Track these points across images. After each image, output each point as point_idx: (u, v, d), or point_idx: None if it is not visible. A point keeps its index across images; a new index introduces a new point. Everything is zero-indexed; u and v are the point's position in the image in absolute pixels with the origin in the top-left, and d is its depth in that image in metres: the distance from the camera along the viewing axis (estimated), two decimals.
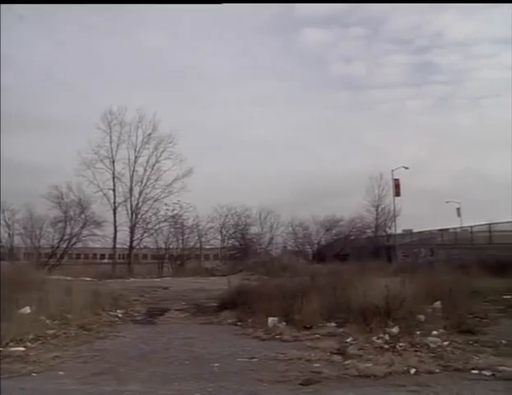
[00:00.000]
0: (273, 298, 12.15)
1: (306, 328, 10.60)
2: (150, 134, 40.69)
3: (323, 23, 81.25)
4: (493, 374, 6.82)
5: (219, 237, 46.80)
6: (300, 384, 6.72)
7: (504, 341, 8.97)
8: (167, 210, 40.64)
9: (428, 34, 78.70)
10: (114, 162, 40.11)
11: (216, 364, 7.85)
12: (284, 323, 11.08)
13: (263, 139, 63.40)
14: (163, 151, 40.60)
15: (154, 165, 40.80)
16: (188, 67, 68.65)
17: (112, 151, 40.06)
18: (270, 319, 11.24)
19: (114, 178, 40.02)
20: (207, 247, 46.84)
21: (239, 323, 11.98)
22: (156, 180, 40.86)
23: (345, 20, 75.63)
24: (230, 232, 47.30)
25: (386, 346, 8.65)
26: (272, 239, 48.96)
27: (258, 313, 11.72)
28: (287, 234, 49.49)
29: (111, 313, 13.55)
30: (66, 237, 37.75)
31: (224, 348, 9.24)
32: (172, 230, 42.24)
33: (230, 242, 47.95)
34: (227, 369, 7.63)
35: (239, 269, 32.54)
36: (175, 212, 40.75)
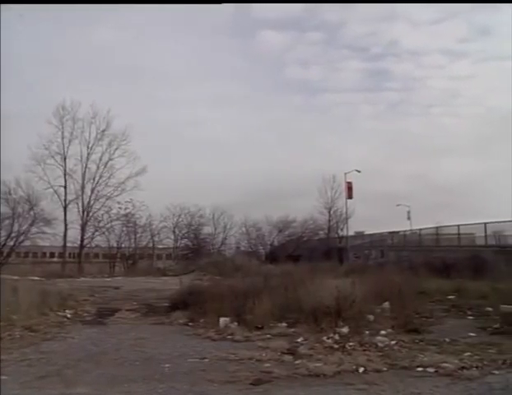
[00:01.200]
0: (225, 298, 12.13)
1: (258, 328, 10.63)
2: (103, 131, 39.70)
3: (280, 26, 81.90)
4: (436, 371, 7.04)
5: (172, 237, 46.45)
6: (251, 384, 6.73)
7: (447, 340, 9.31)
8: (119, 208, 39.83)
9: (383, 42, 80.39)
10: (65, 158, 38.87)
11: (167, 365, 7.76)
12: (236, 324, 11.07)
13: (219, 139, 63.17)
14: (116, 149, 39.79)
15: (107, 163, 39.91)
16: (144, 65, 67.52)
17: (64, 147, 38.86)
18: (222, 319, 11.22)
19: (65, 174, 38.81)
20: (160, 246, 46.36)
21: (190, 324, 11.89)
22: (109, 178, 40.00)
23: (302, 24, 76.38)
24: (183, 232, 47.01)
25: (336, 346, 8.78)
26: (225, 239, 48.98)
27: (209, 313, 11.66)
28: (240, 234, 49.62)
29: (59, 313, 13.15)
30: (13, 234, 36.15)
31: (175, 348, 9.14)
32: (124, 228, 41.47)
33: (183, 242, 47.65)
34: (178, 369, 7.56)
35: (192, 269, 32.38)
36: (128, 211, 40.00)
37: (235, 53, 75.45)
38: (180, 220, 46.35)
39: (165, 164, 52.82)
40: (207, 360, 8.18)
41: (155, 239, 44.45)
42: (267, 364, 7.75)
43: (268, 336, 10.06)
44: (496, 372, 6.89)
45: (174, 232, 46.31)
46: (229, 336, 10.21)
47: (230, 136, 68.10)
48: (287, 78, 73.24)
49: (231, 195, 58.02)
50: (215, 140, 62.84)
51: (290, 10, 60.53)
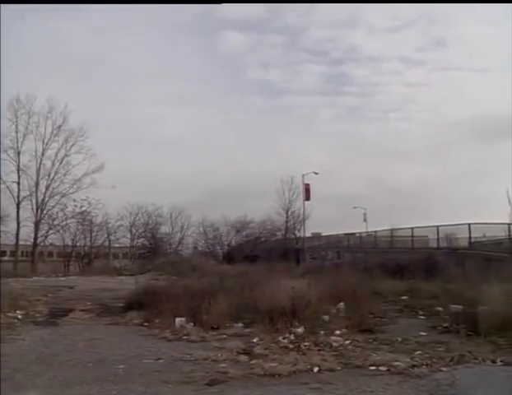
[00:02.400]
0: (181, 298, 12.07)
1: (214, 329, 10.62)
2: (60, 126, 38.62)
3: (243, 27, 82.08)
4: (388, 370, 7.20)
5: (128, 236, 46.00)
6: (206, 385, 6.70)
7: (399, 339, 9.52)
8: (75, 206, 38.98)
9: (343, 47, 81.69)
10: (19, 153, 37.42)
11: (121, 366, 7.64)
12: (191, 324, 11.03)
13: (178, 138, 62.96)
14: (73, 145, 38.74)
15: (63, 159, 38.79)
16: (105, 61, 66.36)
17: (17, 142, 37.42)
18: (177, 320, 11.15)
19: (18, 170, 37.41)
20: (116, 245, 45.77)
21: (145, 324, 11.77)
22: (65, 175, 38.82)
23: (265, 26, 76.72)
24: (140, 231, 46.57)
25: (291, 346, 8.86)
26: (182, 239, 48.80)
27: (165, 313, 11.56)
28: (198, 234, 49.54)
29: (10, 314, 12.73)
30: None
31: (130, 349, 9.01)
32: (80, 227, 40.76)
33: (140, 241, 47.20)
34: (132, 370, 7.45)
35: (148, 269, 32.06)
36: (84, 209, 39.27)
37: (198, 53, 75.20)
38: (137, 219, 46.01)
39: (123, 161, 51.95)
40: (162, 361, 8.11)
41: (112, 237, 43.98)
42: (223, 365, 7.74)
43: (224, 336, 10.07)
44: (444, 369, 7.11)
45: (130, 231, 45.88)
46: (184, 337, 10.15)
47: (191, 135, 67.91)
48: (249, 79, 73.56)
49: (190, 195, 57.94)
50: (175, 139, 62.63)
51: (253, 11, 61.00)
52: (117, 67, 65.43)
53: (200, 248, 49.69)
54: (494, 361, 7.49)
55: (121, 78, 67.81)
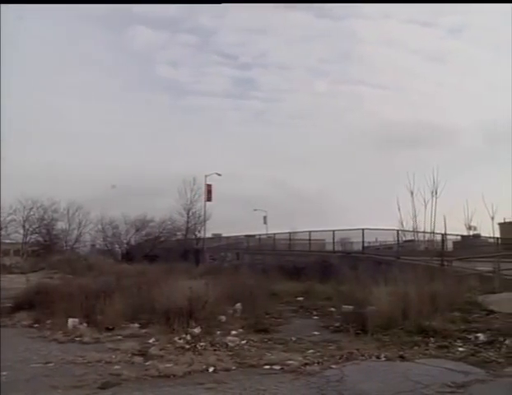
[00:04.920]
0: (75, 298, 11.58)
1: (109, 329, 10.33)
2: None
3: (155, 24, 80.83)
4: (282, 368, 7.38)
5: (21, 231, 43.36)
6: (99, 388, 6.49)
7: (293, 338, 9.79)
8: None
9: (252, 52, 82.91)
10: None
11: (4, 373, 7.07)
12: (85, 325, 10.65)
13: (80, 132, 60.44)
14: None
15: None
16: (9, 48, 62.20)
17: None
18: (70, 320, 10.70)
19: None
20: (7, 241, 42.89)
21: (36, 325, 11.19)
22: None
23: (177, 25, 76.13)
24: (34, 226, 44.13)
25: (187, 346, 8.81)
26: (79, 236, 46.90)
27: (58, 314, 11.05)
28: (96, 232, 47.86)
29: None
30: None
31: (16, 353, 8.47)
32: None
33: (34, 237, 44.67)
34: (18, 376, 7.00)
35: (42, 267, 30.57)
36: None
37: (108, 47, 72.97)
38: (32, 213, 43.53)
39: (17, 153, 48.92)
40: (51, 365, 7.73)
41: (2, 233, 41.17)
42: (117, 367, 7.55)
43: (119, 337, 9.83)
44: (334, 366, 7.40)
45: (23, 226, 43.38)
46: (77, 338, 9.78)
47: (94, 129, 65.53)
48: (157, 77, 72.74)
49: (89, 190, 55.54)
50: (77, 132, 60.09)
51: (166, 9, 60.13)
52: (20, 56, 61.68)
53: (98, 247, 48.12)
54: (378, 357, 7.94)
55: (24, 67, 63.82)
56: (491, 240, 31.72)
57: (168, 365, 7.51)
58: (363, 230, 28.16)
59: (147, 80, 75.36)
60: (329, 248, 31.48)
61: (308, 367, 7.40)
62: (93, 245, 48.56)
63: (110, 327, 10.47)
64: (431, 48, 75.80)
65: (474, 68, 76.56)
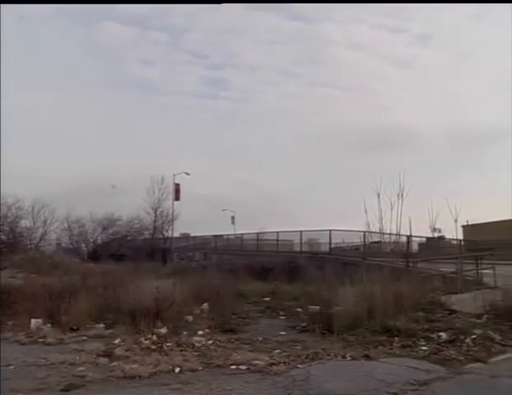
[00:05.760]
0: (39, 298, 11.38)
1: (73, 330, 10.18)
2: None
3: (125, 21, 79.91)
4: (248, 368, 7.40)
5: None
6: (62, 390, 6.38)
7: (260, 338, 9.85)
8: None
9: (224, 52, 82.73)
10: None
11: None
12: (49, 325, 10.45)
13: (46, 127, 59.26)
14: None
15: None
16: None
17: None
18: (33, 321, 10.48)
19: None
20: None
21: None
22: None
23: (148, 22, 75.39)
24: None
25: (153, 347, 8.73)
26: (44, 234, 45.59)
27: (20, 314, 10.80)
28: (62, 230, 46.75)
29: None
30: None
31: None
32: None
33: None
34: None
35: (5, 266, 29.70)
36: None
37: (75, 41, 71.75)
38: None
39: None
40: (12, 367, 7.52)
41: None
42: (81, 368, 7.43)
43: (84, 337, 9.68)
44: (300, 366, 7.48)
45: None
46: (40, 339, 9.57)
47: (60, 125, 64.37)
48: (127, 74, 71.94)
49: (55, 187, 54.52)
50: (41, 126, 58.89)
51: (138, 6, 59.52)
52: None
53: (64, 245, 47.05)
54: (344, 357, 8.04)
55: None
56: (455, 242, 32.42)
57: (133, 366, 7.44)
58: (330, 231, 28.36)
59: (117, 77, 74.54)
60: (297, 248, 31.57)
61: (274, 367, 7.44)
62: (58, 244, 47.46)
63: (75, 327, 10.32)
64: (399, 53, 77.16)
65: (439, 75, 78.38)
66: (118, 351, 8.40)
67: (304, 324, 11.12)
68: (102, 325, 10.65)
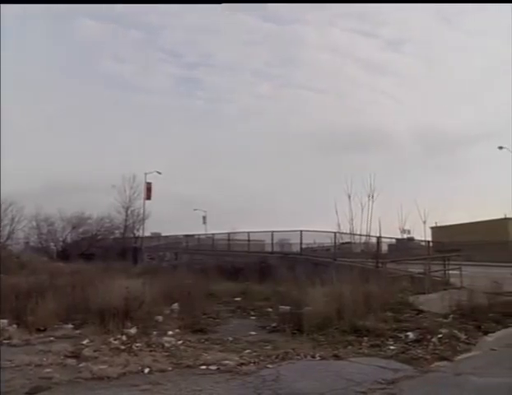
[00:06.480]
0: (5, 298, 11.15)
1: (40, 331, 9.98)
2: None
3: (101, 17, 78.86)
4: (218, 368, 7.38)
5: None
6: (27, 393, 6.23)
7: (230, 339, 9.83)
8: None
9: (199, 52, 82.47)
10: None
11: None
12: (15, 326, 10.23)
13: (13, 122, 58.03)
14: None
15: None
16: None
17: None
18: None
19: None
20: None
21: None
22: None
23: (124, 20, 74.60)
24: None
25: (122, 347, 8.64)
26: (12, 233, 44.73)
27: None
28: (30, 228, 45.97)
29: None
30: None
31: None
32: None
33: None
34: None
35: None
36: None
37: (50, 35, 70.54)
38: None
39: None
40: None
41: None
42: (48, 370, 7.29)
43: (51, 338, 9.51)
44: (270, 366, 7.49)
45: None
46: (5, 341, 9.34)
47: (28, 121, 63.19)
48: (100, 72, 71.06)
49: (23, 185, 53.49)
50: (12, 123, 57.69)
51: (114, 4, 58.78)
52: None
53: (32, 244, 46.27)
54: (313, 356, 8.10)
55: None
56: (424, 243, 33.02)
57: (102, 367, 7.34)
58: (301, 231, 28.56)
59: (90, 74, 73.49)
60: (268, 249, 31.70)
61: (244, 367, 7.45)
62: (27, 243, 46.61)
63: (42, 328, 10.13)
64: (371, 57, 78.25)
65: (410, 79, 79.75)
66: (86, 352, 8.27)
67: (274, 324, 11.15)
68: (70, 325, 10.50)
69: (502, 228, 45.54)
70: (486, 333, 9.29)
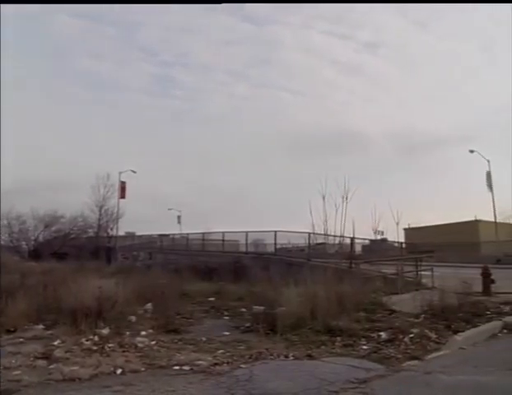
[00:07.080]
0: None
1: (10, 332, 9.80)
2: None
3: (76, 14, 77.73)
4: (191, 369, 7.37)
5: None
6: None
7: (204, 339, 9.80)
8: None
9: (175, 51, 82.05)
10: None
11: None
12: None
13: None
14: None
15: None
16: None
17: None
18: None
19: None
20: None
21: None
22: None
23: (100, 17, 73.68)
24: None
25: (95, 348, 8.54)
26: None
27: None
28: (1, 227, 45.03)
29: None
30: None
31: None
32: None
33: None
34: None
35: None
36: None
37: (22, 32, 69.20)
38: None
39: None
40: None
41: None
42: (17, 372, 7.14)
43: (21, 339, 9.32)
44: (243, 366, 7.50)
45: None
46: None
47: (1, 117, 61.79)
48: (75, 69, 70.11)
49: None
50: None
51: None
52: None
53: (3, 243, 45.34)
54: (287, 356, 8.14)
55: None
56: (396, 244, 33.46)
57: (73, 368, 7.25)
58: (275, 232, 28.67)
59: (64, 70, 72.47)
60: (243, 249, 31.76)
61: (217, 367, 7.45)
62: None
63: (12, 329, 9.95)
64: (348, 59, 78.98)
65: (385, 82, 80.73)
66: (57, 353, 8.15)
67: (248, 324, 11.16)
68: (41, 326, 10.33)
69: (473, 230, 46.58)
70: (455, 332, 9.44)
